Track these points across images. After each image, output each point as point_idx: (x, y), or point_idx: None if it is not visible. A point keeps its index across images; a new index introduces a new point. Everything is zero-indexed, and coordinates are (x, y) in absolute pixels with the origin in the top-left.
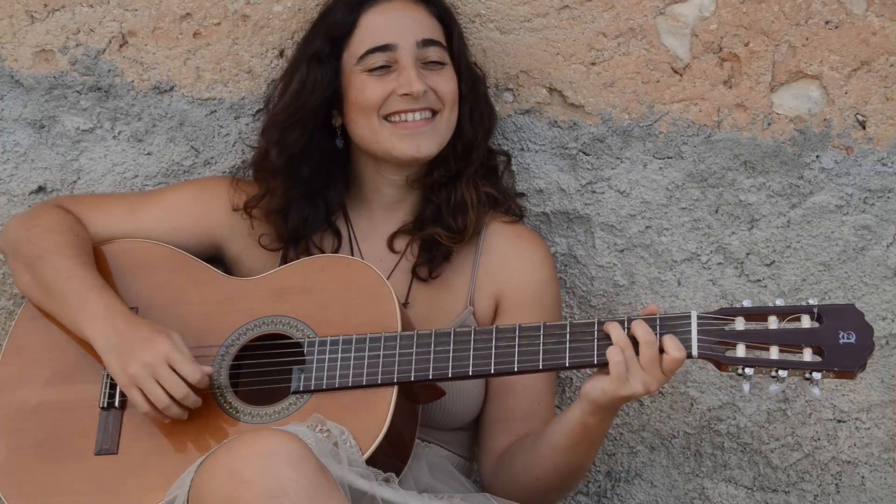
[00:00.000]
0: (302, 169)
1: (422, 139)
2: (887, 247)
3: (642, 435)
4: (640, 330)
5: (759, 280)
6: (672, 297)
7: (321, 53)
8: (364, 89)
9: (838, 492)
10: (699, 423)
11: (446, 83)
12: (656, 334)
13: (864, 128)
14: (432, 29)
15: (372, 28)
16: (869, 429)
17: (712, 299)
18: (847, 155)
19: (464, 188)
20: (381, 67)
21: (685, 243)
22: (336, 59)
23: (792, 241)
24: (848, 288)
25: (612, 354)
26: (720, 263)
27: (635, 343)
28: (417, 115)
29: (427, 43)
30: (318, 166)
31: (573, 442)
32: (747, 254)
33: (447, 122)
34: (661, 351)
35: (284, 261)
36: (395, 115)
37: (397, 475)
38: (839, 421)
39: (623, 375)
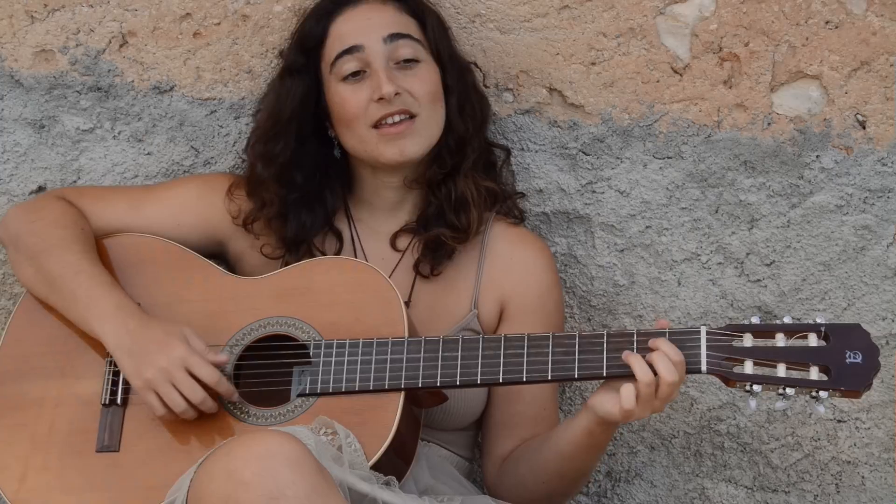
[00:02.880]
0: (295, 177)
1: (405, 142)
2: (887, 247)
3: (642, 435)
4: (663, 367)
5: (759, 280)
6: (672, 297)
7: (294, 65)
8: (344, 101)
9: (838, 492)
10: (699, 423)
11: (421, 83)
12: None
13: (864, 128)
14: (401, 23)
15: (340, 34)
16: (869, 429)
17: (712, 299)
18: (847, 155)
19: (463, 184)
20: (355, 74)
21: (685, 243)
22: (315, 71)
23: (792, 241)
24: (848, 288)
25: (627, 396)
26: (720, 263)
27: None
28: (397, 118)
29: (395, 37)
30: (312, 173)
31: (578, 448)
32: (747, 254)
33: (428, 121)
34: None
35: (285, 262)
36: (381, 121)
37: (399, 479)
38: (839, 421)
39: (633, 410)
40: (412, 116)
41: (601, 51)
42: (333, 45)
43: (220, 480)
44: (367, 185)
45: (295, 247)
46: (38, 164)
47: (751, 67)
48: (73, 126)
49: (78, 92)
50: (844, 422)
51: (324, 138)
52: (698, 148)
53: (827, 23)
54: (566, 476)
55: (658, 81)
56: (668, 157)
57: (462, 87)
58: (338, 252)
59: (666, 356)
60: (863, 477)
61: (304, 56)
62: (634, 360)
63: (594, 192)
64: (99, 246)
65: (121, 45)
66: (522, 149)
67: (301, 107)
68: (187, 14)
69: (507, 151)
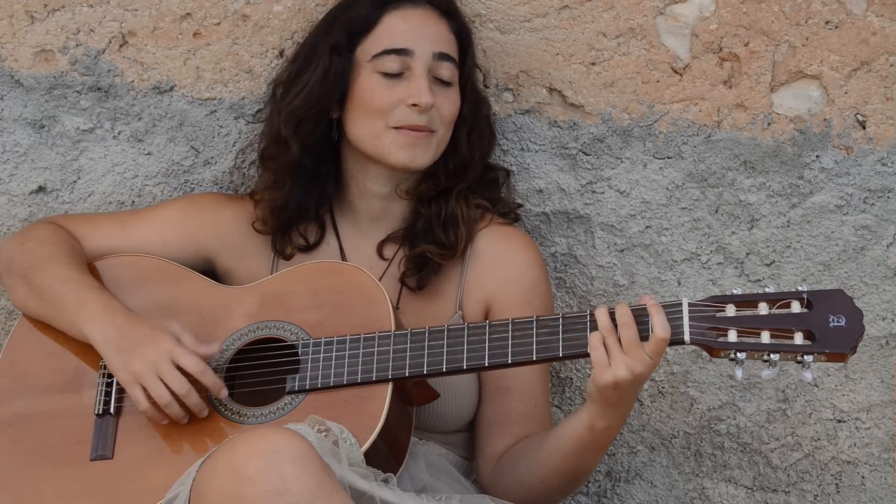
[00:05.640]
0: (306, 161)
1: (418, 150)
2: (887, 247)
3: (642, 435)
4: (619, 312)
5: (759, 280)
6: (672, 296)
7: (340, 45)
8: (374, 93)
9: (838, 492)
10: (699, 423)
11: (450, 105)
12: (646, 320)
13: (864, 128)
14: (450, 45)
15: (392, 29)
16: (869, 429)
17: None
18: (847, 155)
19: (454, 202)
20: (395, 75)
21: (685, 243)
22: (349, 53)
23: (792, 241)
24: (848, 288)
25: (591, 339)
26: (720, 263)
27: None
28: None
29: (442, 57)
30: (318, 159)
31: (579, 446)
32: (747, 254)
33: (440, 140)
34: (651, 331)
35: (275, 269)
36: (403, 126)
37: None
38: (839, 421)
39: (604, 361)
40: (431, 132)
41: (601, 51)
42: (382, 38)
43: (223, 476)
44: (355, 184)
45: (285, 225)
46: (38, 164)
47: (751, 67)
48: (73, 126)
49: (78, 92)
50: (844, 422)
51: (328, 122)
52: (698, 148)
53: (827, 23)
54: (565, 474)
55: (658, 81)
56: (668, 157)
57: (475, 118)
58: (317, 243)
59: (624, 304)
60: (863, 477)
61: (348, 37)
62: (599, 313)
63: (594, 192)
64: (91, 269)
65: (121, 45)
66: (522, 149)
67: (341, 89)
68: (187, 14)
69: (507, 173)
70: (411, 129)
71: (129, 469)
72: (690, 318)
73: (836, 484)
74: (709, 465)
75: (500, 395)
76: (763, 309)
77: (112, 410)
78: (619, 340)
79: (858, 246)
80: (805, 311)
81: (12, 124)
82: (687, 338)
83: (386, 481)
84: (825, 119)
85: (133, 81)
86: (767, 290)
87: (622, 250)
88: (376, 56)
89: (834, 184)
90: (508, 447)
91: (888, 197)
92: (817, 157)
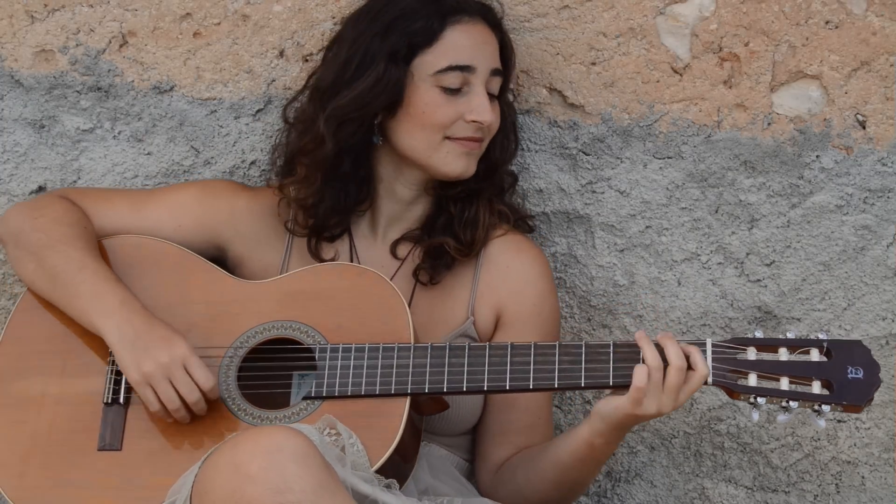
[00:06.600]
0: (342, 163)
1: (471, 160)
2: (887, 247)
3: (642, 435)
4: (673, 352)
5: (759, 280)
6: (672, 297)
7: (399, 54)
8: (436, 107)
9: (838, 492)
10: (699, 423)
11: (497, 117)
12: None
13: (864, 128)
14: (499, 59)
15: (455, 45)
16: (869, 429)
17: (712, 299)
18: (847, 155)
19: (480, 205)
20: (455, 89)
21: (685, 243)
22: (406, 64)
23: (792, 241)
24: (848, 288)
25: (639, 375)
26: (720, 263)
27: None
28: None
29: (496, 73)
30: (356, 163)
31: (577, 460)
32: (747, 254)
33: (484, 148)
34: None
35: (287, 261)
36: (458, 136)
37: (401, 483)
38: (839, 421)
39: (641, 398)
40: (482, 142)
41: (601, 51)
42: (446, 53)
43: (226, 474)
44: (382, 188)
45: (320, 227)
46: (38, 164)
47: (751, 67)
48: (73, 126)
49: (78, 92)
50: (844, 422)
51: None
52: (698, 148)
53: (827, 23)
54: (563, 486)
55: (658, 81)
56: (668, 157)
57: (505, 124)
58: (336, 254)
59: (675, 343)
60: (863, 477)
61: (408, 48)
62: (646, 343)
63: (594, 192)
64: (99, 246)
65: (121, 45)
66: (522, 149)
67: (391, 97)
68: (187, 14)
69: (514, 178)
70: (468, 140)
71: (137, 462)
72: (714, 360)
73: (836, 484)
74: (709, 465)
75: (507, 406)
76: (783, 354)
77: (121, 400)
78: (664, 379)
79: (858, 246)
80: (824, 359)
81: (12, 124)
82: (710, 379)
83: (388, 487)
84: (825, 119)
85: (133, 81)
86: (788, 335)
87: (622, 250)
88: (440, 72)
89: (834, 184)
90: (510, 457)
91: (888, 197)
92: (817, 157)
